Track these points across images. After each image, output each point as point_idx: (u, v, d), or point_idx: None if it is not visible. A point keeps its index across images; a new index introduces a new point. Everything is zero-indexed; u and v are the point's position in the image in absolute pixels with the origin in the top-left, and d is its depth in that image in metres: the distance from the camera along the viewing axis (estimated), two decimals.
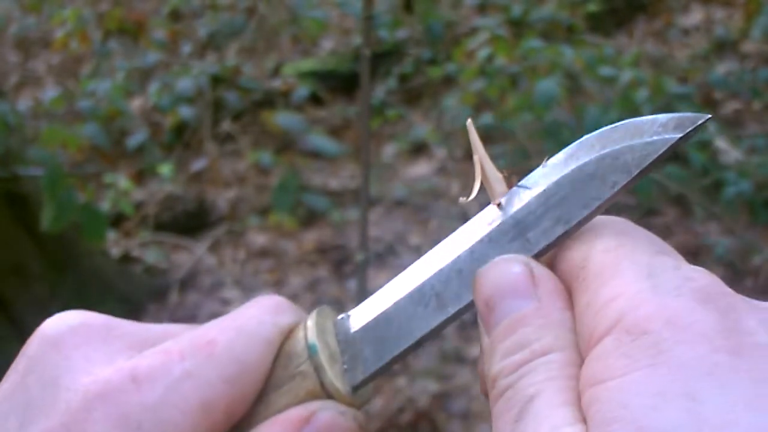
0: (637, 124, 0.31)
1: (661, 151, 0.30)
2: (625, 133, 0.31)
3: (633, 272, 0.28)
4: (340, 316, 0.36)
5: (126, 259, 2.45)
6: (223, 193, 2.71)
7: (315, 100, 3.12)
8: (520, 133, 2.30)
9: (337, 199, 2.55)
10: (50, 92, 3.00)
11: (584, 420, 0.26)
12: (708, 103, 2.70)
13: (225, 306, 2.19)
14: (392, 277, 0.35)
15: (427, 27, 3.13)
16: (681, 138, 0.30)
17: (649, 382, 0.25)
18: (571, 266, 0.30)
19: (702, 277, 0.28)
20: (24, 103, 3.02)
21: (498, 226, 0.33)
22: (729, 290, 0.28)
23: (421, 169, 2.66)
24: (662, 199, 2.31)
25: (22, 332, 2.03)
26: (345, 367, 0.34)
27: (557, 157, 0.33)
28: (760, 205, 2.17)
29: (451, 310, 0.33)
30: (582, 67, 2.31)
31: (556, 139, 2.30)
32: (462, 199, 0.35)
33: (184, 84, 2.92)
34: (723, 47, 3.09)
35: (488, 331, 0.30)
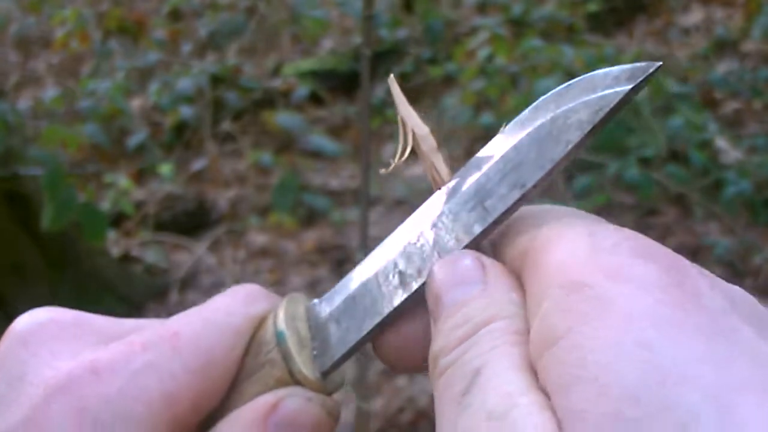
0: (590, 79, 0.31)
1: (612, 104, 0.30)
2: (580, 90, 0.31)
3: (572, 236, 0.27)
4: (312, 302, 0.36)
5: (126, 258, 2.45)
6: (223, 192, 2.71)
7: (315, 99, 3.12)
8: None
9: (337, 199, 2.55)
10: (50, 92, 3.00)
11: (539, 387, 0.25)
12: (708, 103, 2.70)
13: None
14: None
15: (427, 26, 3.13)
16: (632, 89, 0.30)
17: (600, 335, 0.24)
18: (518, 251, 0.30)
19: (642, 238, 0.27)
20: (24, 102, 3.02)
21: (458, 196, 0.33)
22: (674, 253, 0.27)
23: (421, 168, 2.66)
24: (662, 199, 2.31)
25: None
26: (315, 353, 0.34)
27: (516, 121, 0.32)
28: (760, 204, 2.17)
29: (414, 286, 0.32)
30: (582, 66, 2.31)
31: None
32: (383, 171, 0.36)
33: (184, 84, 2.92)
34: (723, 47, 3.09)
35: (435, 322, 0.30)
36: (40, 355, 0.32)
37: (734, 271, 2.11)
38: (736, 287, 0.27)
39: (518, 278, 0.30)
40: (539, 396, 0.25)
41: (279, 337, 0.34)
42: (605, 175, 2.16)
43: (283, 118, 2.69)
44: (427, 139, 0.35)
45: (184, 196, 2.65)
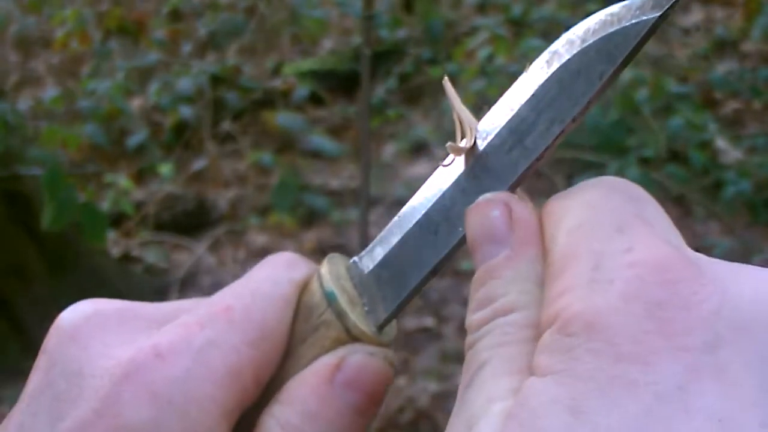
0: (614, 13, 0.31)
1: (642, 33, 0.30)
2: (604, 24, 0.31)
3: (581, 264, 0.27)
4: (351, 260, 0.36)
5: (126, 258, 2.45)
6: (223, 192, 2.71)
7: (315, 99, 3.12)
8: None
9: (337, 199, 2.55)
10: (50, 92, 3.00)
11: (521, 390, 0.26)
12: (708, 103, 2.70)
13: None
14: None
15: (427, 26, 3.13)
16: (660, 16, 0.30)
17: (549, 389, 0.24)
18: (545, 242, 0.29)
19: (650, 260, 0.25)
20: (24, 103, 3.02)
21: (493, 138, 0.32)
22: (684, 275, 0.25)
23: (421, 169, 2.66)
24: (662, 199, 2.30)
25: (22, 332, 2.03)
26: (366, 308, 0.34)
27: (539, 60, 0.32)
28: (760, 205, 2.17)
29: (461, 231, 0.32)
30: None
31: None
32: (444, 164, 0.34)
33: (184, 84, 2.92)
34: (723, 47, 3.09)
35: (476, 268, 0.30)
36: (91, 347, 0.32)
37: None
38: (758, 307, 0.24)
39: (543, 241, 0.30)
40: (511, 404, 0.25)
41: (329, 297, 0.34)
42: (605, 175, 2.16)
43: (283, 118, 2.69)
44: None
45: (184, 196, 2.65)
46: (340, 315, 0.33)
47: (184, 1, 3.55)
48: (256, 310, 0.33)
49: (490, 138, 0.33)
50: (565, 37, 0.32)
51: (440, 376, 1.88)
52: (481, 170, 0.32)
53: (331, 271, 0.35)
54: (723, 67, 2.90)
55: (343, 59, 3.28)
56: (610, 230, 0.27)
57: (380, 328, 0.34)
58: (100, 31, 3.22)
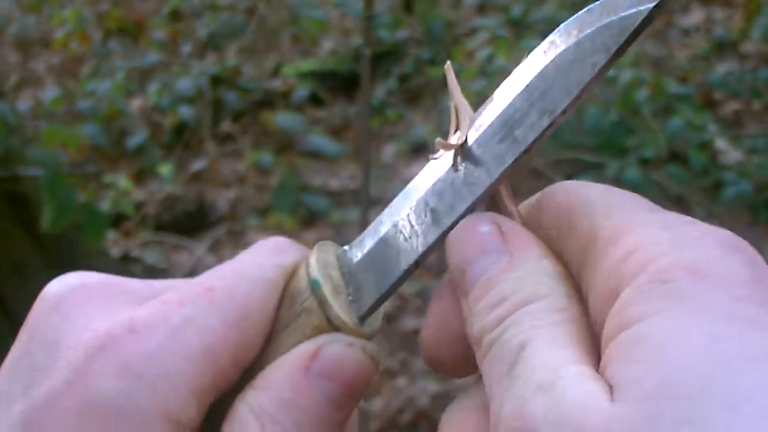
0: (610, 2, 0.31)
1: (637, 24, 0.30)
2: (601, 13, 0.31)
3: (650, 226, 0.27)
4: (342, 249, 0.35)
5: (126, 259, 2.45)
6: (223, 193, 2.71)
7: (315, 100, 3.12)
8: None
9: (337, 199, 2.55)
10: (50, 92, 3.00)
11: (586, 362, 0.26)
12: (708, 104, 2.70)
13: None
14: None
15: (427, 27, 3.13)
16: (655, 6, 0.30)
17: (669, 324, 0.24)
18: (579, 236, 0.29)
19: (723, 231, 0.27)
20: (24, 103, 3.02)
21: (486, 129, 0.32)
22: (752, 247, 0.27)
23: (420, 169, 2.66)
24: (662, 199, 2.30)
25: None
26: (350, 298, 0.34)
27: (538, 49, 0.32)
28: (760, 205, 2.17)
29: (447, 222, 0.32)
30: None
31: (557, 139, 2.30)
32: (433, 156, 0.34)
33: (184, 84, 2.92)
34: (723, 47, 3.09)
35: (465, 297, 0.30)
36: (73, 318, 0.32)
37: None
38: None
39: (553, 250, 0.29)
40: (587, 368, 0.25)
41: (314, 284, 0.33)
42: (605, 175, 2.16)
43: (283, 119, 2.69)
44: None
45: (184, 196, 2.65)
46: (322, 302, 0.33)
47: (184, 2, 3.55)
48: (239, 292, 0.33)
49: (482, 129, 0.32)
50: (563, 27, 0.32)
51: (440, 377, 1.88)
52: (471, 162, 0.32)
53: (319, 259, 0.34)
54: (723, 68, 2.90)
55: (343, 59, 3.28)
56: (653, 209, 0.28)
57: (363, 318, 0.33)
58: (100, 31, 3.22)
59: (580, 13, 0.32)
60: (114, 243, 2.51)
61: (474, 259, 0.30)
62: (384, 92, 3.04)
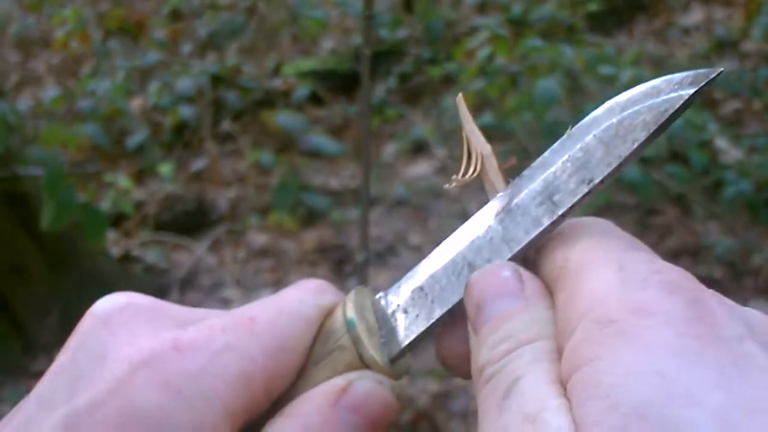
0: (654, 86, 0.33)
1: (677, 106, 0.32)
2: (644, 95, 0.33)
3: (604, 267, 0.29)
4: (377, 295, 0.37)
5: (126, 258, 2.45)
6: (223, 192, 2.71)
7: (315, 99, 3.12)
8: (521, 132, 2.29)
9: (337, 199, 2.55)
10: (50, 92, 3.00)
11: (566, 396, 0.27)
12: (708, 103, 2.70)
13: (225, 305, 2.19)
14: (393, 277, 0.36)
15: (427, 26, 3.13)
16: (695, 92, 0.32)
17: (618, 363, 0.26)
18: (553, 267, 0.32)
19: (672, 270, 0.29)
20: (24, 103, 3.02)
21: (527, 192, 0.35)
22: (700, 285, 0.28)
23: (421, 168, 2.66)
24: (662, 199, 2.31)
25: (22, 332, 2.03)
26: (383, 340, 0.36)
27: (582, 124, 0.35)
28: (760, 204, 2.17)
29: None
30: (582, 66, 2.31)
31: (557, 139, 2.29)
32: (448, 186, 0.37)
33: (184, 83, 2.92)
34: (723, 47, 3.09)
35: (476, 331, 0.32)
36: (120, 334, 0.34)
37: (734, 271, 2.11)
38: (755, 312, 0.29)
39: (551, 292, 0.32)
40: (566, 401, 0.27)
41: (349, 324, 0.35)
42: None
43: (283, 118, 2.69)
44: (490, 158, 0.37)
45: (184, 196, 2.65)
46: (356, 341, 0.35)
47: (184, 1, 3.54)
48: (279, 324, 0.35)
49: (524, 192, 0.35)
50: (608, 104, 0.34)
51: (440, 377, 1.88)
52: (510, 222, 0.35)
53: (356, 301, 0.36)
54: (723, 67, 2.90)
55: (343, 59, 3.28)
56: (625, 247, 0.31)
57: (393, 360, 0.35)
58: (100, 31, 3.22)
59: (627, 91, 0.34)
60: (114, 243, 2.51)
61: (493, 299, 0.32)
62: (384, 92, 3.04)
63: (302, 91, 3.09)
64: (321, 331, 0.36)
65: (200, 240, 2.50)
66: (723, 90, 2.74)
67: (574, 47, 2.44)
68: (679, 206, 2.34)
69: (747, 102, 2.75)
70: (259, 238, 2.49)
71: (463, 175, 0.37)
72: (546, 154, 0.35)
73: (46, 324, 1.96)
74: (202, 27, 3.46)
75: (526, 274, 0.33)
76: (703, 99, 2.68)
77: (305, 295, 0.37)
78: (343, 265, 2.30)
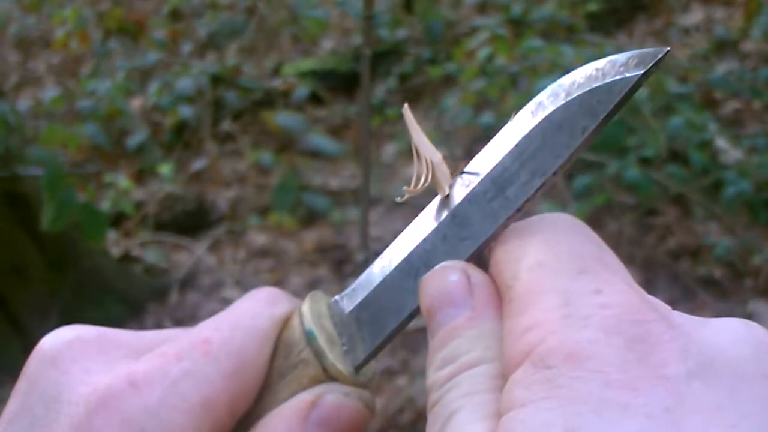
0: (599, 68, 0.31)
1: (624, 91, 0.30)
2: (589, 78, 0.31)
3: (549, 300, 0.28)
4: (332, 299, 0.36)
5: (126, 258, 2.45)
6: (223, 192, 2.71)
7: (315, 99, 3.12)
8: None
9: (337, 199, 2.55)
10: (50, 92, 3.00)
11: None
12: (708, 103, 2.70)
13: (225, 306, 2.18)
14: None
15: (427, 26, 3.13)
16: (643, 74, 0.30)
17: (536, 415, 0.25)
18: (502, 281, 0.30)
19: (621, 305, 0.27)
20: (24, 103, 3.02)
21: (476, 186, 0.33)
22: (652, 317, 0.26)
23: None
24: (662, 199, 2.31)
25: (22, 332, 2.03)
26: (344, 348, 0.34)
27: (525, 110, 0.33)
28: (760, 205, 2.16)
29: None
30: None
31: None
32: (400, 198, 0.35)
33: (184, 84, 2.92)
34: (723, 47, 3.09)
35: (430, 337, 0.31)
36: (71, 373, 0.32)
37: (734, 271, 2.11)
38: (726, 343, 0.26)
39: (501, 297, 0.30)
40: None
41: (309, 335, 0.34)
42: (605, 175, 2.16)
43: (283, 118, 2.69)
44: (441, 165, 0.35)
45: (184, 196, 2.65)
46: (318, 354, 0.34)
47: (184, 1, 3.54)
48: (234, 343, 0.34)
49: (472, 186, 0.33)
50: (551, 88, 0.32)
51: None
52: (463, 218, 0.33)
53: (312, 309, 0.35)
54: (723, 67, 2.90)
55: (343, 59, 3.28)
56: (574, 272, 0.28)
57: (358, 368, 0.34)
58: (100, 31, 3.22)
59: (569, 74, 0.32)
60: (114, 243, 2.51)
61: (441, 307, 0.31)
62: (384, 92, 3.04)
63: (302, 91, 3.09)
64: (280, 342, 0.35)
65: (200, 240, 2.50)
66: (723, 90, 2.74)
67: (574, 47, 2.44)
68: (679, 206, 2.34)
69: (747, 102, 2.75)
70: (258, 238, 2.49)
71: (415, 185, 0.35)
72: (491, 143, 0.33)
73: (46, 324, 1.96)
74: (202, 27, 3.46)
75: (476, 278, 0.31)
76: (703, 99, 2.68)
77: (258, 308, 0.35)
78: (343, 265, 2.30)
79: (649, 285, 2.00)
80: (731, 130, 2.56)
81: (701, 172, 2.27)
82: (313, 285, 2.27)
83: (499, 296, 0.30)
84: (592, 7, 3.21)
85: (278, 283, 2.30)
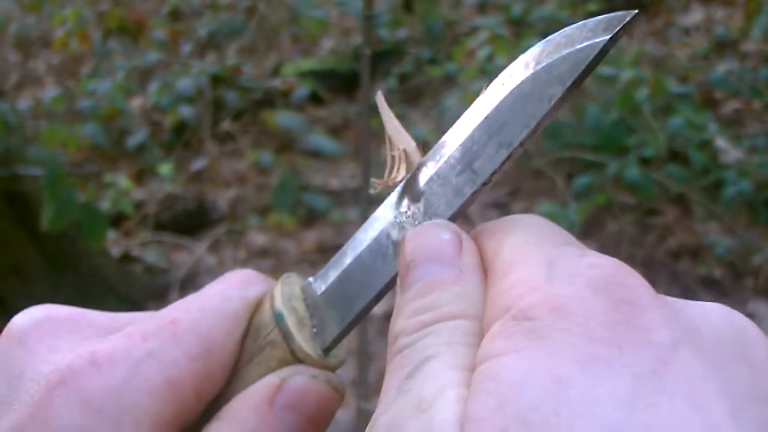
0: (567, 34, 0.31)
1: (591, 57, 0.30)
2: (557, 45, 0.31)
3: (533, 262, 0.27)
4: (306, 281, 0.36)
5: (126, 258, 2.45)
6: (223, 192, 2.71)
7: (315, 99, 3.12)
8: None
9: (337, 199, 2.55)
10: (50, 92, 3.00)
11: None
12: (708, 103, 2.70)
13: None
14: None
15: (427, 26, 3.13)
16: (610, 39, 0.30)
17: (519, 362, 0.24)
18: (485, 258, 0.30)
19: (608, 266, 0.26)
20: (24, 103, 3.02)
21: (445, 161, 0.32)
22: (638, 283, 0.26)
23: None
24: (662, 199, 2.31)
25: None
26: (314, 330, 0.34)
27: (497, 81, 0.32)
28: (760, 204, 2.16)
29: None
30: None
31: (557, 139, 2.29)
32: (372, 191, 0.35)
33: (184, 83, 2.92)
34: (723, 46, 3.09)
35: (402, 291, 0.30)
36: (37, 351, 0.32)
37: (734, 271, 2.11)
38: (714, 315, 0.26)
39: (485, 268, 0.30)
40: (466, 392, 0.25)
41: (278, 317, 0.34)
42: (605, 175, 2.16)
43: (283, 118, 2.68)
44: (415, 154, 0.35)
45: (184, 196, 2.65)
46: (286, 335, 0.33)
47: (184, 1, 3.54)
48: (203, 324, 0.33)
49: (442, 161, 0.33)
50: (522, 58, 0.32)
51: None
52: (431, 194, 0.33)
53: (283, 292, 0.35)
54: (723, 67, 2.90)
55: (343, 59, 3.28)
56: (559, 242, 0.28)
57: (327, 350, 0.34)
58: (100, 30, 3.22)
59: (536, 45, 0.32)
60: (114, 242, 2.51)
61: (426, 261, 0.30)
62: (384, 92, 3.04)
63: (302, 91, 3.09)
64: (251, 325, 0.34)
65: (200, 240, 2.50)
66: (723, 90, 2.74)
67: None
68: (679, 206, 2.34)
69: (747, 102, 2.75)
70: (258, 238, 2.49)
71: (388, 176, 0.35)
72: (462, 117, 0.33)
73: None
74: (202, 27, 3.46)
75: (468, 242, 0.30)
76: (703, 99, 2.68)
77: (230, 290, 0.35)
78: None
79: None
80: (731, 130, 2.56)
81: (701, 172, 2.27)
82: None
83: (481, 267, 0.30)
84: (592, 7, 3.21)
85: None
